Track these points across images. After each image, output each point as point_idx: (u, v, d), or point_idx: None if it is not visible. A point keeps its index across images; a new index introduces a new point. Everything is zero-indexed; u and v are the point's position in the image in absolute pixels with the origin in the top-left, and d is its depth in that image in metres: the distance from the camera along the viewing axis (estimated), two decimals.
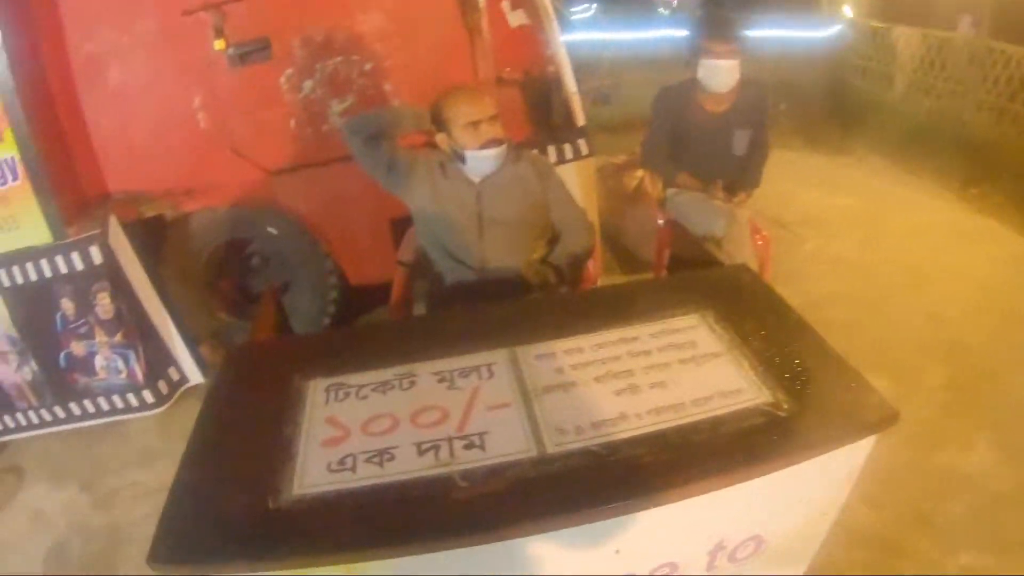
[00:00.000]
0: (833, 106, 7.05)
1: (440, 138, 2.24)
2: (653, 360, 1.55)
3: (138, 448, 3.00)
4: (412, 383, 1.52)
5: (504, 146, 2.21)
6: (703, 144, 3.21)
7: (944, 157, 5.40)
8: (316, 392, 1.51)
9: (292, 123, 2.99)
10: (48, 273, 2.78)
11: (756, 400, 1.40)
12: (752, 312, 1.71)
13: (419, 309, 2.51)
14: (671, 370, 1.52)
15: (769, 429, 1.33)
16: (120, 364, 2.97)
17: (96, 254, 2.77)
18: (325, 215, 3.18)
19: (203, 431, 1.50)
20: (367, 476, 1.29)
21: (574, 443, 1.34)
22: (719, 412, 1.37)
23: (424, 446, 1.34)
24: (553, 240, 2.38)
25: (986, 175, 5.08)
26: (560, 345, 1.61)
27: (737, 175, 3.24)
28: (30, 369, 2.96)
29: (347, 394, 1.50)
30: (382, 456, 1.32)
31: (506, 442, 1.35)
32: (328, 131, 3.00)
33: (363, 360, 1.59)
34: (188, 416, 3.01)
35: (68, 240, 2.74)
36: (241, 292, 3.54)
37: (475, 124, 2.15)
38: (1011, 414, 2.83)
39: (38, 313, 2.86)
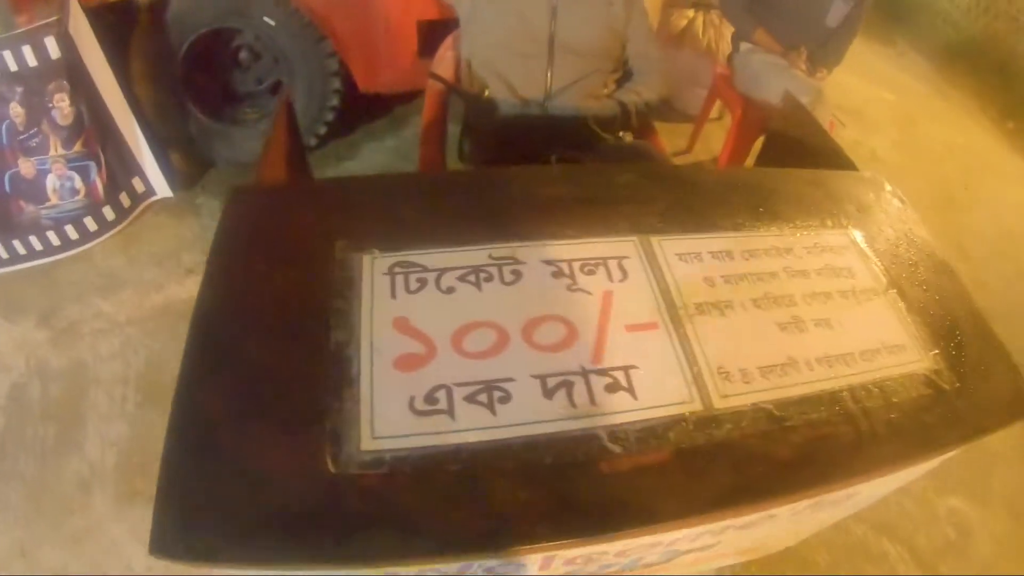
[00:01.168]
0: None
1: None
2: (813, 286, 1.15)
3: (100, 272, 2.54)
4: (517, 274, 1.03)
5: None
6: (796, 5, 2.71)
7: (987, 81, 5.04)
8: (375, 274, 1.01)
9: None
10: None
11: (920, 364, 1.09)
12: (899, 244, 1.31)
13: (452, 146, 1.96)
14: (834, 304, 1.14)
15: (936, 405, 1.05)
16: (77, 181, 2.44)
17: (53, 47, 2.22)
18: (338, 6, 2.56)
19: (203, 339, 0.92)
20: (473, 425, 0.85)
21: (744, 395, 0.96)
22: (887, 373, 1.06)
23: (551, 381, 0.91)
24: (623, 80, 2.03)
25: None
26: (706, 244, 1.16)
27: (820, 48, 2.78)
28: None
29: (422, 282, 1.01)
30: (491, 392, 0.89)
31: (661, 386, 0.94)
32: None
33: (439, 227, 1.09)
34: (155, 235, 2.59)
35: (18, 31, 2.18)
36: (224, 91, 2.92)
37: None
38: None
39: None
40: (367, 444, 0.82)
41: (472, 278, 1.02)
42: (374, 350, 0.92)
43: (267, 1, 2.51)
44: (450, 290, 1.00)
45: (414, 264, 1.03)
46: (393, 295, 0.99)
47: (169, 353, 2.24)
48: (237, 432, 0.83)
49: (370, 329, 0.95)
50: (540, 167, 1.24)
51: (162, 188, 2.73)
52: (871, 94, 4.47)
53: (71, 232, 2.52)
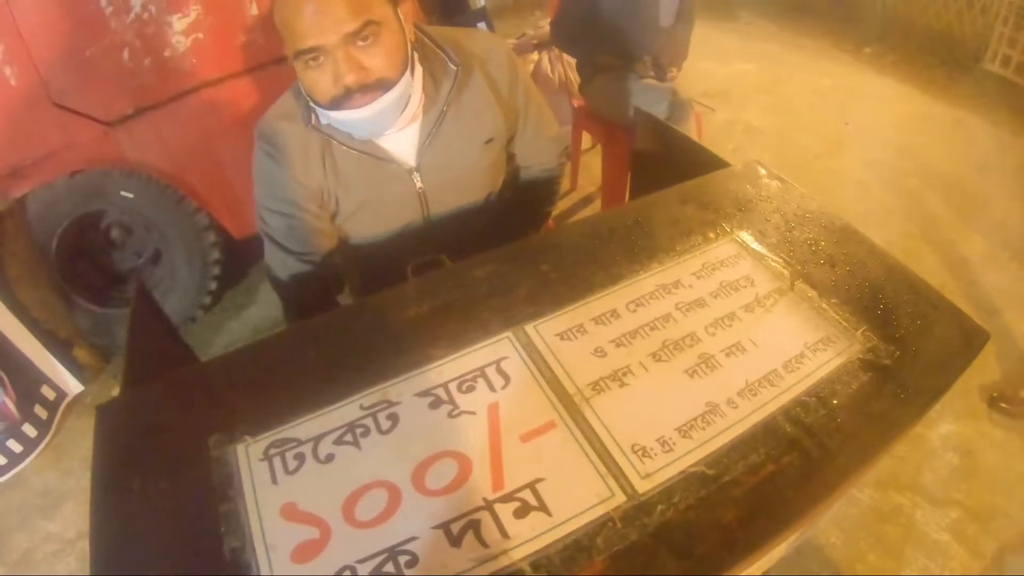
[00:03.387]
0: None
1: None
2: (713, 313, 1.07)
3: (37, 492, 2.39)
4: (393, 419, 0.93)
5: (392, 93, 1.23)
6: (625, 16, 2.67)
7: (834, 18, 5.24)
8: (252, 462, 0.90)
9: (125, 55, 2.21)
10: None
11: (852, 350, 1.01)
12: (791, 227, 1.24)
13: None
14: (740, 324, 1.05)
15: (883, 385, 0.96)
16: None
17: None
18: (187, 162, 2.48)
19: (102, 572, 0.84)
20: None
21: (668, 466, 0.87)
22: (819, 375, 0.97)
23: (455, 527, 0.81)
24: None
25: (878, 35, 4.95)
26: (586, 311, 1.07)
27: (663, 50, 2.75)
28: None
29: (300, 458, 0.90)
30: (396, 559, 0.78)
31: (575, 490, 0.84)
32: (172, 57, 2.24)
33: (304, 390, 0.98)
34: (81, 439, 2.46)
35: None
36: (107, 274, 2.81)
37: (315, 55, 1.16)
38: (957, 274, 2.83)
39: None
40: None
41: (349, 437, 0.92)
42: (269, 548, 0.82)
43: (119, 176, 2.42)
44: (329, 458, 0.90)
45: (288, 440, 0.93)
46: (274, 480, 0.88)
47: None
48: None
49: (260, 526, 0.84)
50: (394, 290, 1.14)
51: (72, 385, 2.59)
52: (730, 71, 4.57)
53: None
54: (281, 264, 1.44)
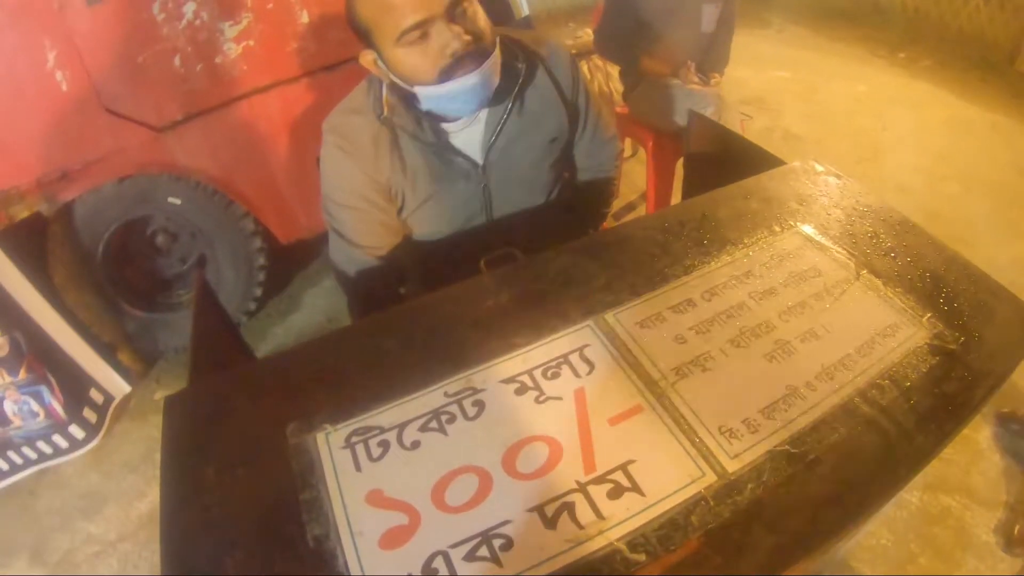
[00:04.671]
0: None
1: (367, 58, 1.30)
2: (785, 301, 1.08)
3: (78, 494, 2.40)
4: (479, 405, 0.93)
5: (492, 59, 1.24)
6: (668, 23, 2.68)
7: (867, 24, 5.21)
8: (333, 450, 0.90)
9: (176, 61, 2.22)
10: None
11: (919, 336, 1.03)
12: (852, 221, 1.25)
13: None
14: (812, 311, 1.06)
15: (951, 369, 0.98)
16: (34, 405, 2.30)
17: None
18: (236, 167, 2.49)
19: (177, 565, 0.82)
20: None
21: (755, 447, 0.87)
22: (890, 360, 0.99)
23: (549, 509, 0.81)
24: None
25: (911, 40, 4.93)
26: (663, 301, 1.08)
27: (705, 55, 2.76)
28: None
29: (384, 445, 0.90)
30: (490, 543, 0.78)
31: (667, 471, 0.84)
32: (223, 63, 2.26)
33: (385, 379, 0.99)
34: (122, 442, 2.45)
35: None
36: (151, 280, 2.82)
37: (420, 30, 1.18)
38: (1003, 276, 2.70)
39: None
40: None
41: (434, 424, 0.91)
42: (355, 535, 0.81)
43: (168, 182, 2.44)
44: (415, 444, 0.90)
45: (371, 428, 0.93)
46: (358, 468, 0.88)
47: None
48: None
49: (344, 513, 0.84)
50: (471, 281, 1.15)
51: (120, 387, 2.61)
52: (766, 78, 4.55)
53: (44, 447, 2.41)
54: (347, 258, 1.45)
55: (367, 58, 1.29)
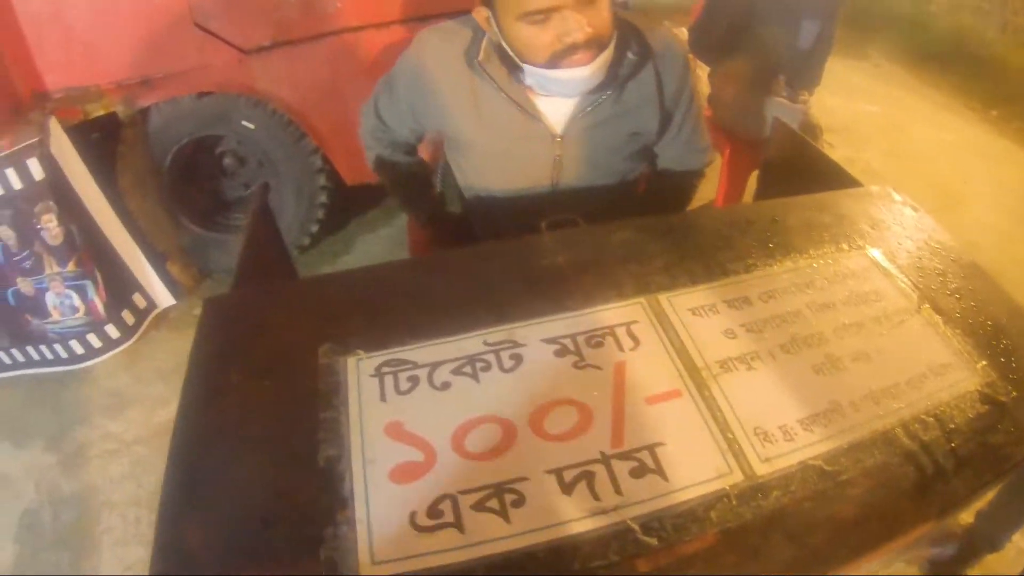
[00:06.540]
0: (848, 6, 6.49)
1: (480, 15, 1.27)
2: (842, 317, 1.03)
3: (105, 392, 2.45)
4: (517, 359, 0.91)
5: (605, 54, 1.24)
6: (765, 33, 2.60)
7: (964, 75, 5.02)
8: (362, 377, 0.89)
9: None
10: None
11: (971, 381, 0.97)
12: (921, 255, 1.21)
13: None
14: (867, 333, 1.02)
15: (998, 421, 0.93)
16: (76, 300, 2.36)
17: (36, 168, 2.16)
18: (315, 101, 2.50)
19: (183, 468, 0.81)
20: (486, 536, 0.73)
21: (788, 455, 0.83)
22: (939, 398, 0.94)
23: (568, 474, 0.78)
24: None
25: (1007, 98, 4.72)
26: (720, 293, 1.04)
27: (797, 72, 2.66)
28: None
29: (414, 380, 0.89)
30: (502, 496, 0.76)
31: (694, 460, 0.81)
32: None
33: (427, 318, 0.97)
34: (157, 350, 2.49)
35: (0, 153, 2.11)
36: (213, 199, 2.87)
37: (545, 15, 1.17)
38: None
39: None
40: (367, 570, 0.70)
41: (468, 369, 0.90)
42: (367, 463, 0.80)
43: (245, 105, 2.47)
44: (445, 385, 0.88)
45: (403, 361, 0.91)
46: (383, 398, 0.87)
47: None
48: (222, 571, 0.71)
49: (360, 439, 0.83)
50: (530, 238, 1.13)
51: (164, 298, 2.67)
52: (855, 109, 4.43)
53: (76, 347, 2.47)
54: (371, 129, 1.63)
55: (481, 14, 1.27)
